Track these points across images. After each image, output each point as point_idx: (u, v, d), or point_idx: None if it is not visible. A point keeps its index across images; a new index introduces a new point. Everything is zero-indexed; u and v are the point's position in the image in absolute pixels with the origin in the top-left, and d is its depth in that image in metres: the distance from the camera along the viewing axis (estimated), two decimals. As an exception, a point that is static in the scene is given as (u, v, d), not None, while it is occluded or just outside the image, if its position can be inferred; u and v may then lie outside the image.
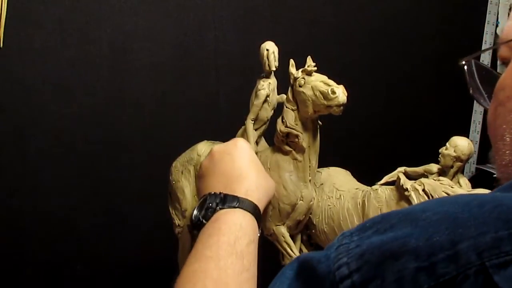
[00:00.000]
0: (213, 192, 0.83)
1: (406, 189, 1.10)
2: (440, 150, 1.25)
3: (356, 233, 0.49)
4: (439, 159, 1.25)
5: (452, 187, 1.09)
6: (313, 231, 1.23)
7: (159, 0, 1.76)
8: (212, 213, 0.79)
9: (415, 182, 1.12)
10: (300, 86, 1.08)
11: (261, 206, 0.84)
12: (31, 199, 1.72)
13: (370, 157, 2.02)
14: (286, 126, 1.11)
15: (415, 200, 1.08)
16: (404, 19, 2.08)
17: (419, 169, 1.28)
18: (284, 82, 1.15)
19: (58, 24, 1.65)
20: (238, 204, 0.79)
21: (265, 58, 1.13)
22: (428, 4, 2.10)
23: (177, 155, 1.33)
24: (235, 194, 0.81)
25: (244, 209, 0.79)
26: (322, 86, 1.05)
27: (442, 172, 1.22)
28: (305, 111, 1.09)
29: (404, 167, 1.26)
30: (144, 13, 1.74)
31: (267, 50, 1.13)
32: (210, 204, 0.80)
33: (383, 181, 1.26)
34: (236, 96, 1.73)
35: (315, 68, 1.07)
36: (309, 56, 1.09)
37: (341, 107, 1.04)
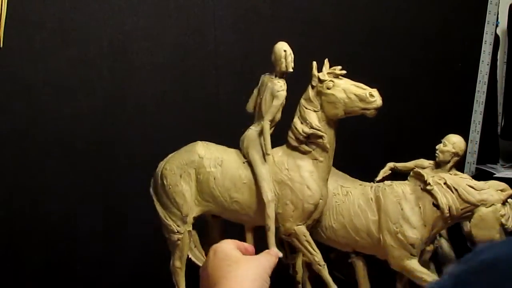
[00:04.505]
0: None
1: (429, 183, 1.15)
2: (437, 147, 1.34)
3: None
4: (436, 155, 1.33)
5: (471, 180, 1.15)
6: (317, 228, 1.25)
7: (159, 0, 1.75)
8: None
9: (433, 177, 1.18)
10: (329, 89, 1.10)
11: None
12: (31, 199, 1.72)
13: (370, 157, 2.02)
14: (311, 127, 1.13)
15: (439, 193, 1.13)
16: (404, 19, 2.08)
17: (410, 164, 1.38)
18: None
19: (58, 24, 1.65)
20: None
21: (282, 58, 1.14)
22: (428, 4, 2.10)
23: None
24: None
25: None
26: (357, 90, 1.08)
27: (436, 166, 1.31)
28: (333, 113, 1.11)
29: (393, 163, 1.36)
30: (144, 13, 1.74)
31: (285, 51, 1.14)
32: None
33: (379, 177, 1.35)
34: (236, 96, 1.73)
35: (344, 72, 1.10)
36: (326, 59, 1.11)
37: (376, 110, 1.07)
